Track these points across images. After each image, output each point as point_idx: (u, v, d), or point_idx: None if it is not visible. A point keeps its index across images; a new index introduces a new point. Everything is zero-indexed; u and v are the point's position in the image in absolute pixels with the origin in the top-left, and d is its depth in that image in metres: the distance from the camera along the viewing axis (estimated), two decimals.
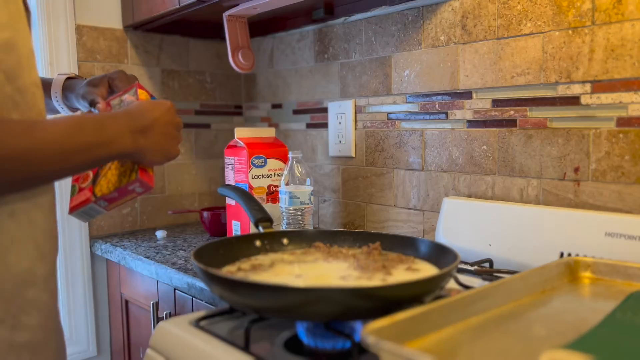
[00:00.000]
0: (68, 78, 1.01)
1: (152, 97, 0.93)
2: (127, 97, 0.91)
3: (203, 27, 1.67)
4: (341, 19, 1.44)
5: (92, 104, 0.94)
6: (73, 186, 0.89)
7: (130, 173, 0.81)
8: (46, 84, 0.99)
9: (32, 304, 0.72)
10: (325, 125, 1.52)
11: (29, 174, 0.65)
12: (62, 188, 1.47)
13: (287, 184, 1.23)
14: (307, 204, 1.22)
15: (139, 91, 0.91)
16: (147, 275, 1.26)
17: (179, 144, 0.84)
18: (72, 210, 0.86)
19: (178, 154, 0.84)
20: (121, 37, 1.58)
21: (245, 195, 1.01)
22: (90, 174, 0.87)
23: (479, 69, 1.14)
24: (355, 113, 1.43)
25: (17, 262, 0.70)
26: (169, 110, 0.82)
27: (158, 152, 0.80)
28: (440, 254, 0.81)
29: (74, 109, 1.02)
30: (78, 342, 1.52)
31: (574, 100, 1.00)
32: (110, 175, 0.83)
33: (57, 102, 1.01)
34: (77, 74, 1.13)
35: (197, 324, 0.77)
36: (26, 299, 0.71)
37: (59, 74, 1.02)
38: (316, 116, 1.55)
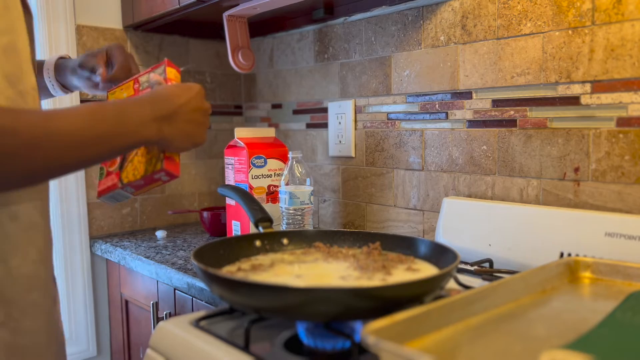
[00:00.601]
0: (60, 58, 1.00)
1: (181, 72, 0.89)
2: (153, 75, 0.87)
3: (203, 27, 1.67)
4: (341, 19, 1.44)
5: (93, 70, 0.92)
6: (101, 169, 0.87)
7: (156, 162, 0.79)
8: (39, 64, 0.98)
9: (34, 308, 0.72)
10: (325, 125, 1.52)
11: (45, 164, 0.62)
12: (63, 189, 1.47)
13: (287, 184, 1.23)
14: (307, 204, 1.22)
15: (168, 69, 0.86)
16: (147, 275, 1.26)
17: (206, 129, 0.80)
18: (101, 194, 0.85)
19: (205, 141, 0.80)
20: (121, 37, 1.58)
21: (245, 195, 1.01)
22: (117, 157, 0.85)
23: (478, 69, 1.14)
24: (355, 113, 1.43)
25: (20, 266, 0.70)
26: (197, 95, 0.77)
27: (184, 139, 0.76)
28: (440, 254, 0.81)
29: (65, 87, 1.00)
30: (78, 342, 1.52)
31: (574, 100, 1.00)
32: (136, 161, 0.81)
33: (48, 79, 0.98)
34: (70, 55, 1.12)
35: (197, 324, 0.77)
36: (29, 302, 0.71)
37: (51, 56, 1.01)
38: (316, 116, 1.55)
